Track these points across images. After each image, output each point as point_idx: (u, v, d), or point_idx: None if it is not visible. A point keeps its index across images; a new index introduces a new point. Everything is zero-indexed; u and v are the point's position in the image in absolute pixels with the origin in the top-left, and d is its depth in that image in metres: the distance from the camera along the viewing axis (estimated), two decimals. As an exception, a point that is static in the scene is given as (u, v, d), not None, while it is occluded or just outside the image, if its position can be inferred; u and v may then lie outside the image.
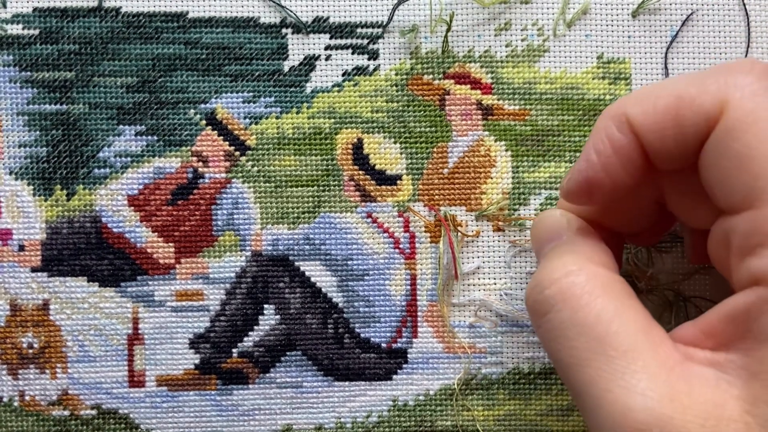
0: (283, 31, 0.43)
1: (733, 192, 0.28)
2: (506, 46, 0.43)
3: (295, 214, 0.43)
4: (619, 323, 0.29)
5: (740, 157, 0.27)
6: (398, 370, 0.43)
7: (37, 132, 0.42)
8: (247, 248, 0.43)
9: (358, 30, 0.43)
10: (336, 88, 0.43)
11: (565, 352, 0.30)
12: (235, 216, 0.43)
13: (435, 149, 0.43)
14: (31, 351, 0.42)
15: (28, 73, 0.42)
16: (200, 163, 0.43)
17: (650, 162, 0.31)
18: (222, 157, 0.43)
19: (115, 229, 0.42)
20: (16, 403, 0.42)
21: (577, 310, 0.30)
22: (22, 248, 0.42)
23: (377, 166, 0.43)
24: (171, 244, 0.42)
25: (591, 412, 0.29)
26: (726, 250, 0.29)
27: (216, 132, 0.42)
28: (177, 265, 0.43)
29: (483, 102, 0.43)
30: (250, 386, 0.43)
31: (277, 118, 0.43)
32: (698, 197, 0.31)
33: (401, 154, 0.43)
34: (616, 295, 0.31)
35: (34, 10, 0.42)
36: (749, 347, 0.27)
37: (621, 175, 0.31)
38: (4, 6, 0.42)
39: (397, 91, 0.43)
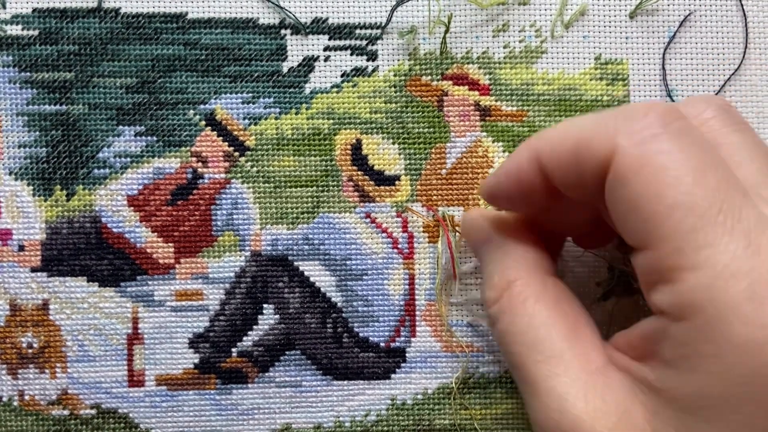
0: (282, 32, 0.43)
1: (630, 232, 0.29)
2: (504, 47, 0.43)
3: (294, 215, 0.43)
4: (546, 330, 0.32)
5: (630, 202, 0.28)
6: (396, 369, 0.43)
7: (37, 132, 0.42)
8: (247, 248, 0.43)
9: (357, 31, 0.43)
10: (335, 89, 0.43)
11: (507, 357, 0.34)
12: (234, 216, 0.43)
13: (433, 150, 0.43)
14: (30, 351, 0.42)
15: (28, 73, 0.42)
16: (199, 164, 0.43)
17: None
18: (221, 158, 0.43)
19: (114, 229, 0.43)
20: (15, 403, 0.42)
21: (513, 318, 0.33)
22: (21, 248, 0.42)
23: (376, 167, 0.43)
24: (170, 244, 0.43)
25: (528, 409, 0.32)
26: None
27: (215, 132, 0.43)
28: (176, 265, 0.43)
29: (481, 103, 0.43)
30: (250, 385, 0.43)
31: (276, 118, 0.43)
32: None
33: (400, 154, 0.43)
34: (546, 303, 0.33)
35: (34, 10, 0.42)
36: (654, 365, 0.29)
37: (518, 200, 0.35)
38: (4, 6, 0.42)
39: (395, 92, 0.43)
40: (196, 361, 0.43)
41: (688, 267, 0.27)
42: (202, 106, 0.42)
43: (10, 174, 0.42)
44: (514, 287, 0.34)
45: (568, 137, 0.31)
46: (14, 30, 0.42)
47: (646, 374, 0.29)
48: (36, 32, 0.42)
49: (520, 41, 0.43)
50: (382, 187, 0.43)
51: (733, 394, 0.26)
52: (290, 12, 0.43)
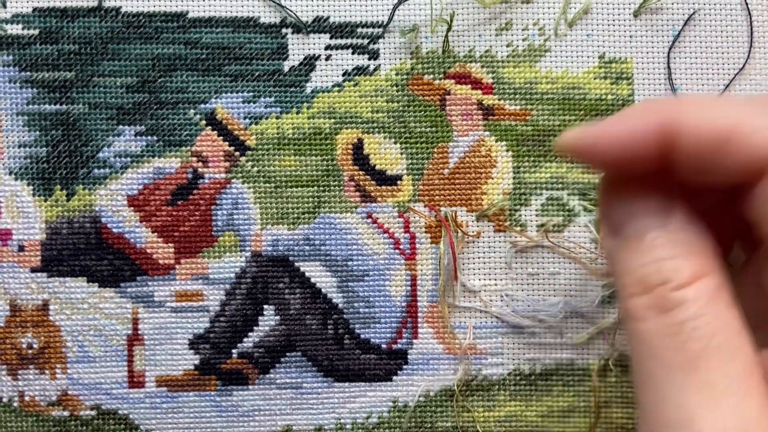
0: (283, 30, 0.43)
1: None
2: (507, 45, 0.43)
3: (295, 215, 0.43)
4: (744, 337, 0.27)
5: None
6: (398, 371, 0.43)
7: (37, 132, 0.42)
8: (247, 249, 0.42)
9: (359, 30, 0.43)
10: (336, 88, 0.43)
11: (674, 353, 0.28)
12: (234, 216, 0.42)
13: (435, 149, 0.43)
14: (30, 351, 0.42)
15: (28, 73, 0.42)
16: (200, 164, 0.42)
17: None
18: (222, 158, 0.42)
19: (114, 230, 0.42)
20: (15, 404, 0.42)
21: (712, 317, 0.28)
22: (21, 248, 0.42)
23: (377, 167, 0.43)
24: (171, 245, 0.42)
25: (701, 422, 0.27)
26: None
27: (216, 132, 0.42)
28: (177, 266, 0.42)
29: (484, 102, 0.43)
30: (250, 387, 0.42)
31: (277, 118, 0.43)
32: None
33: (401, 154, 0.43)
34: (736, 307, 0.28)
35: (34, 10, 0.42)
36: None
37: (616, 162, 0.29)
38: (4, 6, 0.42)
39: (397, 91, 0.43)
40: (197, 362, 0.42)
41: None
42: (202, 106, 0.42)
43: (10, 174, 0.42)
44: (710, 279, 0.28)
45: (720, 119, 0.27)
46: (14, 29, 0.42)
47: None
48: (36, 31, 0.42)
49: (523, 40, 0.43)
50: (383, 187, 0.43)
51: None
52: (291, 11, 0.42)
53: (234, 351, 0.43)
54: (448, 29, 0.42)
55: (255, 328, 0.43)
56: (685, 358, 0.27)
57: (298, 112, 0.43)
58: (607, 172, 0.30)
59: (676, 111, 0.28)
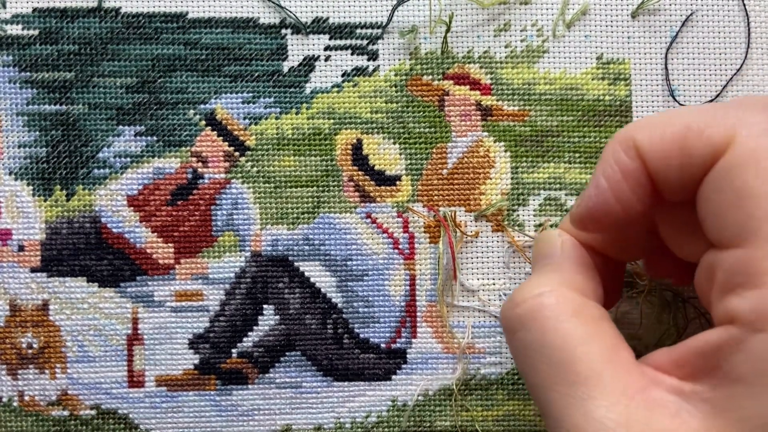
0: (283, 31, 0.43)
1: (726, 227, 0.28)
2: (506, 46, 0.43)
3: (295, 215, 0.43)
4: (584, 349, 0.29)
5: (737, 193, 0.27)
6: (397, 371, 0.43)
7: (37, 132, 0.42)
8: (247, 248, 0.43)
9: (358, 31, 0.43)
10: (335, 89, 0.43)
11: (531, 372, 0.31)
12: (234, 216, 0.43)
13: (434, 150, 0.43)
14: (30, 351, 0.42)
15: (28, 73, 0.42)
16: (200, 164, 0.43)
17: (657, 190, 0.31)
18: (221, 158, 0.43)
19: (114, 230, 0.42)
20: (15, 404, 0.42)
21: (544, 332, 0.31)
22: (21, 248, 0.42)
23: (377, 167, 0.43)
24: (170, 245, 0.43)
25: None
26: (710, 283, 0.29)
27: (215, 132, 0.42)
28: (176, 266, 0.43)
29: (482, 103, 0.43)
30: (250, 386, 0.43)
31: (276, 118, 0.43)
32: (690, 229, 0.31)
33: (400, 154, 0.43)
34: (585, 319, 0.31)
35: (34, 10, 0.42)
36: (716, 383, 0.27)
37: (631, 200, 0.31)
38: (4, 6, 0.42)
39: (396, 91, 0.43)
40: (196, 361, 0.43)
41: None
42: (202, 106, 0.42)
43: (10, 174, 0.42)
44: (549, 296, 0.31)
45: (675, 123, 0.29)
46: (14, 30, 0.42)
47: (702, 393, 0.27)
48: (36, 32, 0.42)
49: (521, 41, 0.43)
50: (382, 187, 0.43)
51: None
52: (291, 12, 0.42)
53: (234, 351, 0.43)
54: (447, 30, 0.42)
55: (255, 327, 0.43)
56: (537, 381, 0.31)
57: (297, 113, 0.43)
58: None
59: (628, 130, 0.31)
